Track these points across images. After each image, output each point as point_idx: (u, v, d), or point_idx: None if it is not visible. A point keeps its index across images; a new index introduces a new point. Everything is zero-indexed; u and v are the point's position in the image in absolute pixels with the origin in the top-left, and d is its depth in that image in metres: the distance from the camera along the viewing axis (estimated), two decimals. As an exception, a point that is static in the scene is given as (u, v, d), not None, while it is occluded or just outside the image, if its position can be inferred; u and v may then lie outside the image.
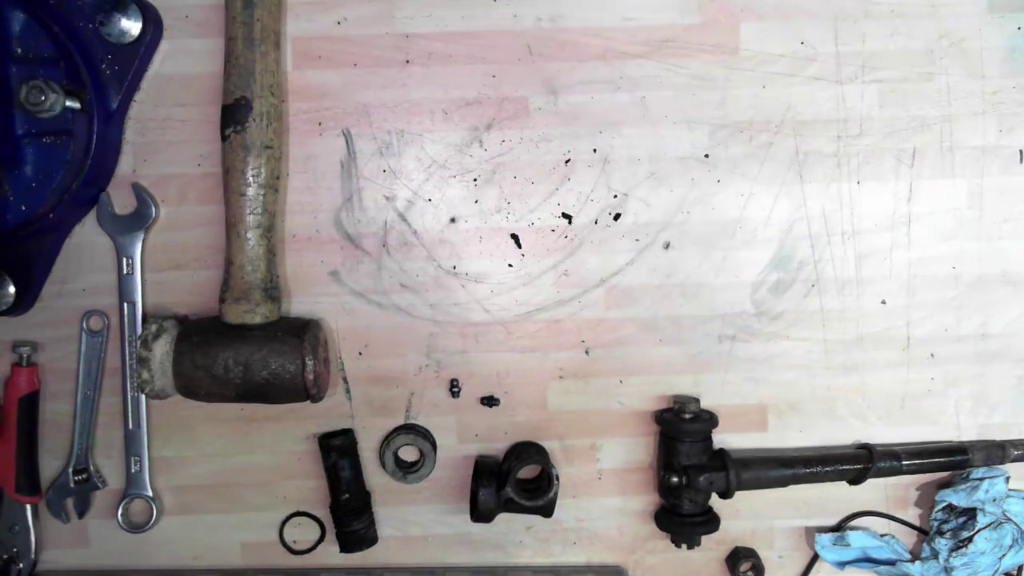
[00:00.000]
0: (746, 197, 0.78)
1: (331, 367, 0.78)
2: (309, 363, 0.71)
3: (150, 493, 0.79)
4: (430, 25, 0.75)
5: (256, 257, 0.73)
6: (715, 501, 0.79)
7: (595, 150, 0.77)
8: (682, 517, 0.77)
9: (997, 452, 0.79)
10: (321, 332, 0.76)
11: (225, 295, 0.73)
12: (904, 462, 0.78)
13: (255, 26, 0.71)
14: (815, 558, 0.82)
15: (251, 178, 0.72)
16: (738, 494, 0.79)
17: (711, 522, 0.78)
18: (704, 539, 0.81)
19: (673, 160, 0.77)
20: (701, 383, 0.80)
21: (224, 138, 0.72)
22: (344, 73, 0.76)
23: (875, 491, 0.82)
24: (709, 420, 0.77)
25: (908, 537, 0.82)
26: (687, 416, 0.76)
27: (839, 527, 0.82)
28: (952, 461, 0.78)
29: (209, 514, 0.81)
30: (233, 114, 0.71)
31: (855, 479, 0.78)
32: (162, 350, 0.71)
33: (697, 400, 0.77)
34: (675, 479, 0.75)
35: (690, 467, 0.75)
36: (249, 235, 0.72)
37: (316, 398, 0.73)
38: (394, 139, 0.77)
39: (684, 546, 0.78)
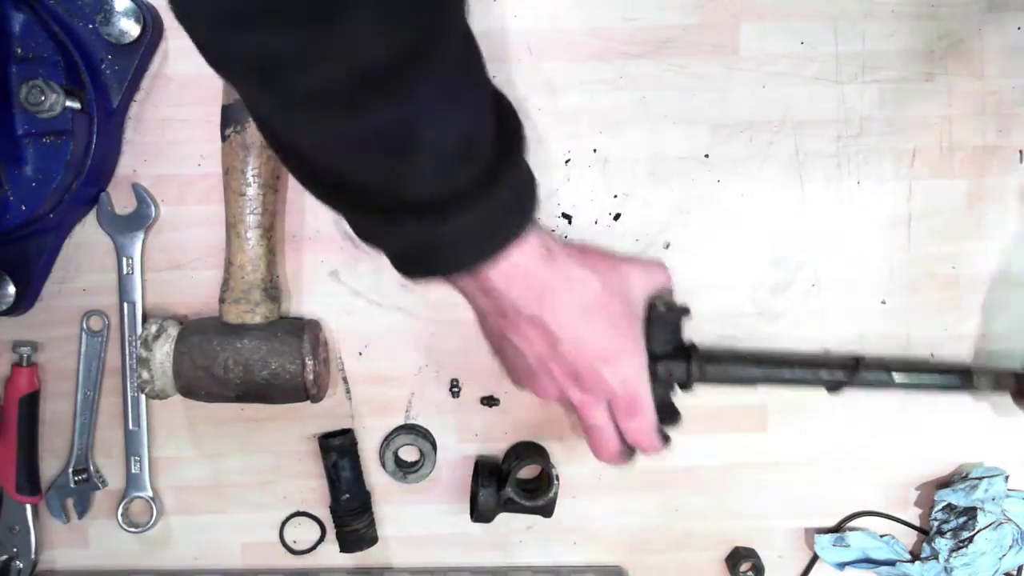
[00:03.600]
0: (746, 197, 0.78)
1: (331, 367, 0.78)
2: (309, 363, 0.71)
3: (150, 493, 0.79)
4: (430, 25, 0.75)
5: (256, 257, 0.73)
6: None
7: (595, 150, 0.77)
8: None
9: (1007, 380, 0.73)
10: (321, 332, 0.76)
11: (225, 295, 0.73)
12: (896, 375, 0.72)
13: None
14: (815, 558, 0.82)
15: (251, 178, 0.72)
16: (739, 494, 0.79)
17: (671, 416, 0.72)
18: (704, 539, 0.81)
19: (673, 160, 0.77)
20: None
21: (224, 138, 0.72)
22: (344, 73, 0.76)
23: (875, 491, 0.82)
24: (679, 310, 0.71)
25: (908, 537, 0.82)
26: (659, 307, 0.70)
27: (839, 527, 0.82)
28: (952, 382, 0.73)
29: (209, 514, 0.81)
30: (233, 114, 0.71)
31: (834, 387, 0.72)
32: (162, 350, 0.71)
33: (671, 291, 0.73)
34: None
35: (650, 354, 0.68)
36: (249, 235, 0.72)
37: (316, 398, 0.73)
38: (394, 139, 0.76)
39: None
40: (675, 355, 0.70)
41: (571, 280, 0.63)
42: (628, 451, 0.69)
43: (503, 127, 0.56)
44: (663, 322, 0.70)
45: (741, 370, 0.72)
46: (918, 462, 0.82)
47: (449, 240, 0.55)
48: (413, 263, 0.59)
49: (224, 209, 0.73)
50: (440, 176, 0.52)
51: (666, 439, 0.70)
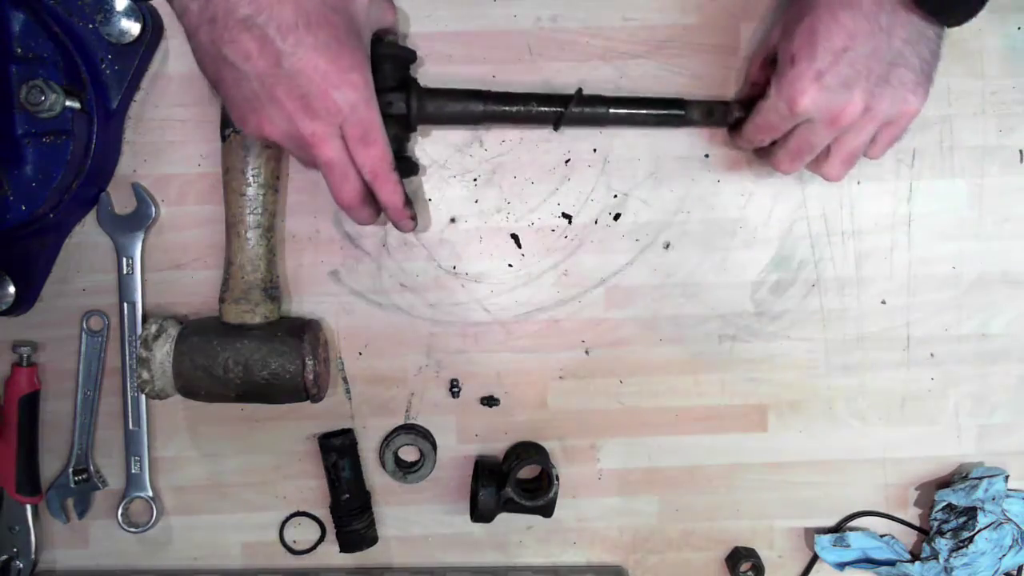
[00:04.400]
0: (746, 197, 0.78)
1: (331, 367, 0.78)
2: (309, 363, 0.71)
3: (150, 493, 0.79)
4: (430, 25, 0.75)
5: (256, 257, 0.73)
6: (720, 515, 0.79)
7: (595, 150, 0.77)
8: None
9: (719, 109, 0.73)
10: (321, 332, 0.76)
11: (225, 295, 0.73)
12: (611, 110, 0.72)
13: None
14: (815, 558, 0.82)
15: (251, 178, 0.72)
16: (739, 494, 0.79)
17: (408, 167, 0.72)
18: (704, 539, 0.81)
19: (673, 160, 0.77)
20: (701, 383, 0.80)
21: (224, 138, 0.72)
22: (344, 73, 0.75)
23: (875, 491, 0.82)
24: (406, 51, 0.72)
25: (908, 537, 0.82)
26: (385, 43, 0.70)
27: (839, 527, 0.82)
28: (667, 115, 0.73)
29: (209, 514, 0.81)
30: None
31: (555, 122, 0.73)
32: (162, 350, 0.71)
33: (396, 35, 0.73)
34: None
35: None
36: (249, 235, 0.72)
37: (316, 398, 0.73)
38: (394, 139, 0.76)
39: None
40: (396, 89, 0.69)
41: None
42: (370, 199, 0.67)
43: None
44: (388, 59, 0.69)
45: (461, 106, 0.71)
46: (918, 462, 0.82)
47: None
48: None
49: (224, 209, 0.73)
50: None
51: (413, 218, 0.69)
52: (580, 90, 0.73)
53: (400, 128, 0.71)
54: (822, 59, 0.63)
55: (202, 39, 0.59)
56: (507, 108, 0.72)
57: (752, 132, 0.71)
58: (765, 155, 0.74)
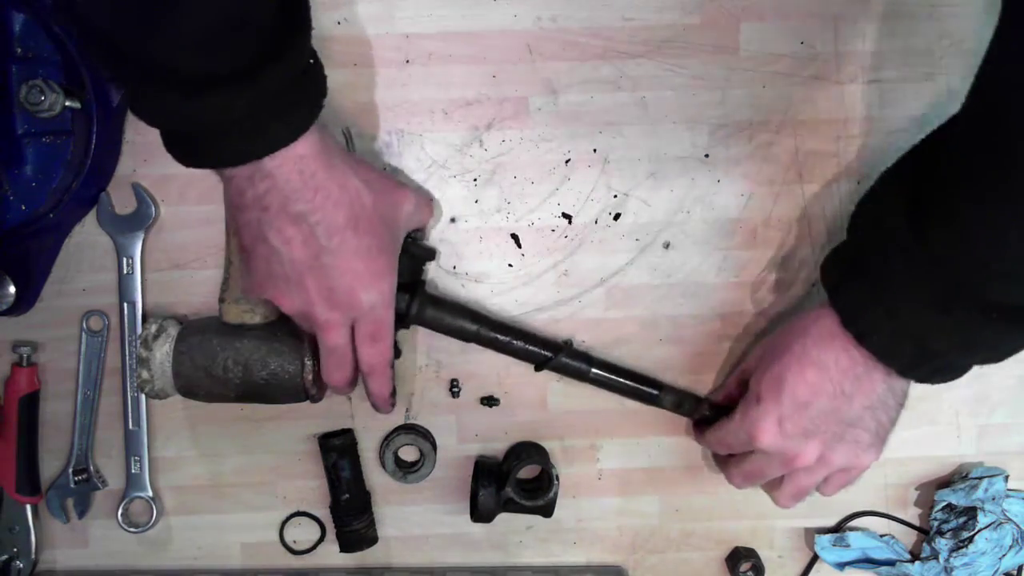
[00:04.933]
0: (746, 197, 0.78)
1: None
2: (308, 364, 0.71)
3: (150, 493, 0.79)
4: (430, 25, 0.75)
5: (256, 257, 0.73)
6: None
7: (595, 150, 0.77)
8: None
9: (688, 402, 0.76)
10: (321, 332, 0.76)
11: (225, 295, 0.73)
12: (593, 370, 0.75)
13: None
14: (815, 558, 0.82)
15: (252, 178, 0.71)
16: (739, 494, 0.79)
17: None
18: (704, 539, 0.81)
19: (673, 160, 0.77)
20: (701, 383, 0.80)
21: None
22: (344, 73, 0.76)
23: (875, 491, 0.82)
24: (427, 251, 0.74)
25: (908, 537, 0.82)
26: (411, 241, 0.72)
27: (839, 527, 0.82)
28: (641, 391, 0.76)
29: (209, 514, 0.81)
30: None
31: (538, 365, 0.75)
32: (162, 350, 0.71)
33: (425, 232, 0.75)
34: None
35: None
36: (249, 235, 0.72)
37: (315, 398, 0.73)
38: (394, 139, 0.77)
39: None
40: (404, 288, 0.71)
41: (346, 189, 0.61)
42: (355, 381, 0.70)
43: (285, 12, 0.54)
44: (408, 256, 0.71)
45: (456, 322, 0.73)
46: (918, 462, 0.82)
47: (220, 124, 0.54)
48: (185, 145, 0.57)
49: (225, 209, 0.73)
50: (204, 47, 0.51)
51: (394, 404, 0.73)
52: (570, 342, 0.77)
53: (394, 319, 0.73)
54: (786, 407, 0.66)
55: (249, 218, 0.60)
56: (499, 336, 0.74)
57: (713, 442, 0.75)
58: (721, 462, 0.77)
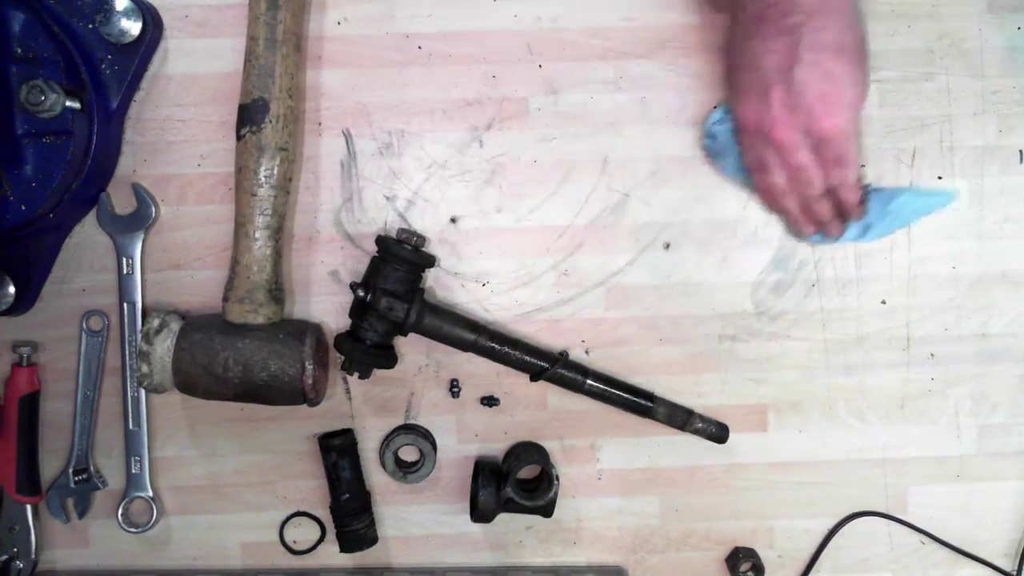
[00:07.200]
0: (746, 197, 0.78)
1: (331, 369, 0.78)
2: (309, 368, 0.71)
3: (150, 493, 0.79)
4: (430, 25, 0.75)
5: (263, 258, 0.72)
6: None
7: (595, 150, 0.77)
8: (359, 343, 0.73)
9: (680, 415, 0.77)
10: (323, 336, 0.76)
11: (229, 294, 0.73)
12: (588, 381, 0.76)
13: (277, 28, 0.71)
14: (815, 558, 0.82)
15: (263, 179, 0.71)
16: (739, 494, 0.79)
17: (387, 358, 0.75)
18: (704, 539, 0.81)
19: (673, 160, 0.77)
20: (701, 383, 0.80)
21: (239, 137, 0.71)
22: (344, 73, 0.76)
23: (875, 491, 0.82)
24: (421, 254, 0.74)
25: (908, 536, 0.82)
26: (406, 245, 0.73)
27: (839, 527, 0.82)
28: (635, 403, 0.77)
29: (209, 514, 0.81)
30: (250, 114, 0.71)
31: (534, 375, 0.76)
32: (163, 345, 0.71)
33: (422, 238, 0.75)
34: (360, 292, 0.71)
35: (380, 288, 0.71)
36: (257, 235, 0.72)
37: (314, 403, 0.73)
38: (394, 139, 0.77)
39: (357, 375, 0.75)
40: (404, 296, 0.72)
41: (850, 20, 0.64)
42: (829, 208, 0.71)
43: None
44: (406, 264, 0.72)
45: (454, 331, 0.74)
46: (918, 462, 0.82)
47: None
48: None
49: (234, 208, 0.73)
50: None
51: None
52: (566, 353, 0.77)
53: (392, 327, 0.73)
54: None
55: (743, 27, 0.66)
56: (496, 346, 0.75)
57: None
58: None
